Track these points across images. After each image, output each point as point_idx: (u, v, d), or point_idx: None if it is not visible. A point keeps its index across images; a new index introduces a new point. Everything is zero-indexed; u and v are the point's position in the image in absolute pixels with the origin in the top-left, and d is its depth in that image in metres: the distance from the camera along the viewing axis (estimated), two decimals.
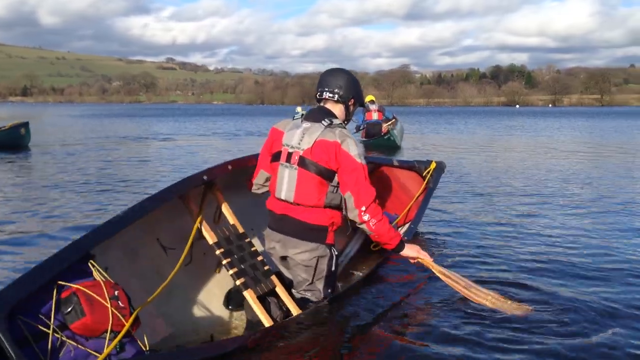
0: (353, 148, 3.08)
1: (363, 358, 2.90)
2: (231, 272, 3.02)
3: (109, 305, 2.23)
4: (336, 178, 3.11)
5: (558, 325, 3.20)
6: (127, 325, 2.26)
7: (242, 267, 3.08)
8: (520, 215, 6.52)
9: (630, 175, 10.47)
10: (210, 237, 3.10)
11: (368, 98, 16.48)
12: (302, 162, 3.10)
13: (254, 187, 3.45)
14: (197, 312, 3.29)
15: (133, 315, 2.31)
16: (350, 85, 3.30)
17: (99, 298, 2.22)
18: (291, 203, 3.13)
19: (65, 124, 32.70)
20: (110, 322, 2.20)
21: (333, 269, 3.24)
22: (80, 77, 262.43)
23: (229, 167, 3.46)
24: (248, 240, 3.27)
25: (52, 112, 64.21)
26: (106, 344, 2.20)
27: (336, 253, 3.27)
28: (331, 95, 3.27)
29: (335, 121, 3.18)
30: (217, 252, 3.07)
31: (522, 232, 5.65)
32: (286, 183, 3.15)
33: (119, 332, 2.23)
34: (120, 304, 2.28)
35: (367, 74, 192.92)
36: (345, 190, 3.07)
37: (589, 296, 3.70)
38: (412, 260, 3.43)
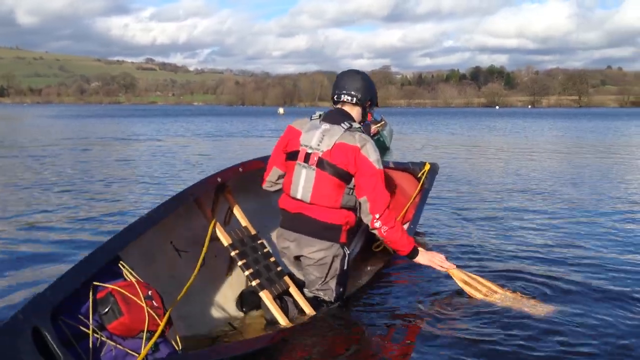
0: (372, 153, 3.12)
1: (378, 357, 2.88)
2: (247, 273, 3.04)
3: (144, 305, 2.23)
4: (353, 180, 3.14)
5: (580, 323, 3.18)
6: (162, 324, 2.26)
7: (257, 268, 3.10)
8: (513, 210, 6.59)
9: (610, 174, 10.70)
10: (224, 239, 3.10)
11: None
12: (321, 164, 3.13)
13: (265, 184, 3.46)
14: (213, 314, 3.28)
15: (167, 315, 2.32)
16: (367, 88, 3.33)
17: (134, 298, 2.23)
18: (307, 203, 3.15)
19: (44, 125, 32.22)
20: (147, 321, 2.20)
21: (345, 268, 3.27)
22: (58, 78, 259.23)
23: (240, 169, 3.48)
24: (260, 241, 3.29)
25: (30, 113, 63.22)
26: (143, 343, 2.19)
27: (348, 252, 3.29)
28: (349, 98, 3.30)
29: (354, 125, 3.21)
30: (233, 253, 3.08)
31: (516, 228, 5.71)
32: (303, 183, 3.16)
33: (154, 332, 2.23)
34: (154, 303, 2.29)
35: None
36: (362, 194, 3.12)
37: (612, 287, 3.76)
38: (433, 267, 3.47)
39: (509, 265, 4.39)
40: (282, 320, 3.00)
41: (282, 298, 3.12)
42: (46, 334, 1.92)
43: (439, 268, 3.50)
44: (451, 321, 3.22)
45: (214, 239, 3.09)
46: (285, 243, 3.26)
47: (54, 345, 1.91)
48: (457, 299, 3.56)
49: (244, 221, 3.34)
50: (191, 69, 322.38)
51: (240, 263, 3.06)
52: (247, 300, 3.24)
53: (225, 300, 3.37)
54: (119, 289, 2.21)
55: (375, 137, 15.54)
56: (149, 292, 2.30)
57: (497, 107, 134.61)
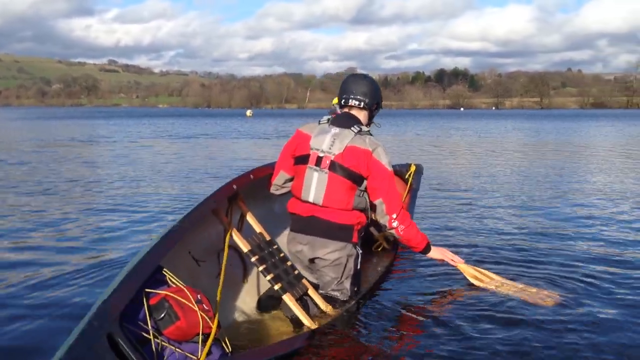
0: (383, 156, 3.22)
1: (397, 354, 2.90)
2: (268, 278, 3.07)
3: (197, 309, 2.26)
4: (364, 183, 3.21)
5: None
6: (214, 326, 2.31)
7: (277, 272, 3.13)
8: (487, 207, 6.73)
9: (572, 171, 11.13)
10: (244, 246, 3.14)
11: (334, 101, 16.35)
12: (333, 167, 3.18)
13: (272, 188, 3.51)
14: (237, 319, 3.30)
15: (216, 317, 2.36)
16: (373, 92, 3.42)
17: (187, 302, 2.26)
18: (319, 206, 3.20)
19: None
20: (201, 324, 2.24)
21: (358, 267, 3.35)
22: (17, 80, 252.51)
23: (251, 176, 3.51)
24: (276, 246, 3.32)
25: None
26: (199, 346, 2.23)
27: (360, 252, 3.35)
28: (357, 102, 3.38)
29: (364, 128, 3.29)
30: (253, 259, 3.11)
31: (490, 224, 5.83)
32: (315, 186, 3.21)
33: (207, 335, 2.27)
34: (205, 307, 2.33)
35: (314, 77, 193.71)
36: (377, 197, 3.21)
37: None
38: (439, 261, 3.67)
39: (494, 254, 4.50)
40: (307, 321, 3.04)
41: (302, 299, 3.17)
42: (119, 340, 1.97)
43: (450, 262, 3.66)
44: (463, 315, 3.29)
45: (231, 246, 3.12)
46: (298, 247, 3.30)
47: (128, 351, 1.95)
48: (468, 293, 3.67)
49: (258, 227, 3.36)
50: (156, 70, 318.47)
51: (261, 268, 3.09)
52: (266, 305, 3.32)
53: (246, 306, 3.41)
54: (171, 294, 2.25)
55: None
56: (198, 296, 2.34)
57: (461, 109, 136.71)
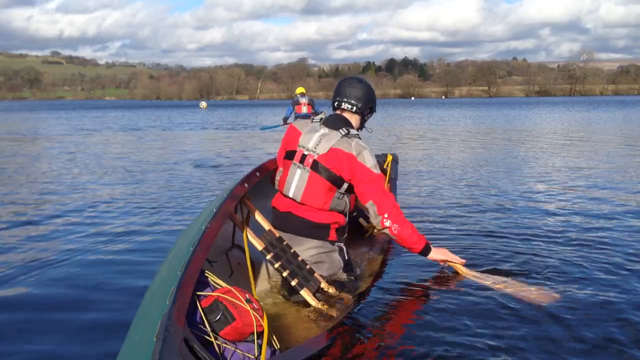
0: (369, 160, 3.20)
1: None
2: (285, 274, 3.04)
3: (249, 308, 2.24)
4: (345, 185, 3.23)
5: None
6: (265, 325, 2.30)
7: (292, 268, 3.09)
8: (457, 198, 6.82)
9: (522, 154, 11.39)
10: (258, 244, 3.10)
11: (298, 91, 16.23)
12: (315, 166, 3.21)
13: (276, 183, 3.50)
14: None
15: (265, 316, 2.34)
16: (367, 97, 3.41)
17: (239, 302, 2.24)
18: (297, 202, 3.22)
19: None
20: (255, 323, 2.24)
21: (347, 257, 3.39)
22: None
23: (257, 173, 3.50)
24: (285, 242, 3.25)
25: None
26: (255, 344, 2.24)
27: (342, 245, 3.35)
28: (349, 106, 3.37)
29: (352, 131, 3.29)
30: (268, 256, 3.07)
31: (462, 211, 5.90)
32: (295, 182, 3.26)
33: (260, 333, 2.26)
34: (255, 305, 2.32)
35: (265, 67, 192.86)
36: (367, 199, 3.20)
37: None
38: (441, 263, 3.55)
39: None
40: (333, 312, 3.00)
41: (317, 292, 3.12)
42: (194, 344, 1.95)
43: (451, 264, 3.53)
44: (458, 309, 3.08)
45: (237, 245, 3.14)
46: None
47: (203, 355, 1.93)
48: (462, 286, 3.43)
49: (266, 225, 3.31)
50: (101, 62, 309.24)
51: (277, 265, 3.05)
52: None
53: (262, 301, 3.30)
54: (223, 295, 2.22)
55: None
56: (247, 295, 2.32)
57: (412, 98, 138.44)
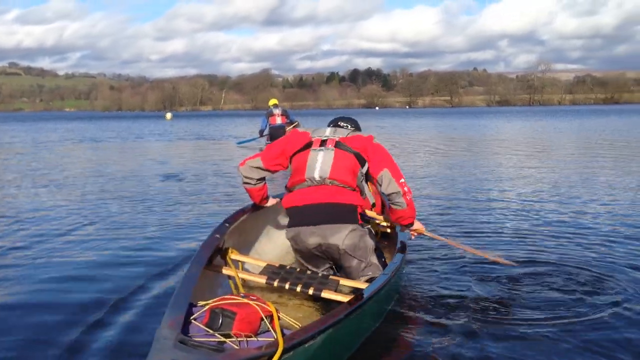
0: (381, 144, 3.50)
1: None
2: (298, 288, 3.04)
3: (246, 300, 2.35)
4: (365, 165, 3.40)
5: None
6: (272, 308, 2.40)
7: (304, 280, 3.13)
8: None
9: (485, 159, 11.95)
10: (260, 280, 3.16)
11: (271, 102, 16.22)
12: (339, 145, 3.42)
13: (244, 166, 3.53)
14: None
15: (269, 303, 2.43)
16: (357, 126, 3.85)
17: (234, 300, 2.36)
18: (325, 184, 3.30)
19: None
20: (260, 309, 2.33)
21: (374, 240, 3.52)
22: None
23: (226, 224, 3.54)
24: (288, 266, 3.32)
25: None
26: (274, 328, 2.31)
27: (370, 227, 3.55)
28: (345, 124, 3.79)
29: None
30: (275, 284, 3.09)
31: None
32: (320, 162, 3.37)
33: (270, 316, 2.35)
34: (252, 296, 2.40)
35: (229, 78, 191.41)
36: (381, 168, 3.33)
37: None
38: (412, 235, 3.83)
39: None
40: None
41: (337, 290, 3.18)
42: (189, 343, 2.04)
43: (421, 230, 3.82)
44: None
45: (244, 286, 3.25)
46: (306, 241, 3.31)
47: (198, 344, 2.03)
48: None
49: (262, 263, 3.39)
50: (61, 73, 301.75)
51: (287, 286, 3.06)
52: None
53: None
54: (215, 303, 2.36)
55: None
56: (241, 294, 2.45)
57: (376, 108, 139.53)
